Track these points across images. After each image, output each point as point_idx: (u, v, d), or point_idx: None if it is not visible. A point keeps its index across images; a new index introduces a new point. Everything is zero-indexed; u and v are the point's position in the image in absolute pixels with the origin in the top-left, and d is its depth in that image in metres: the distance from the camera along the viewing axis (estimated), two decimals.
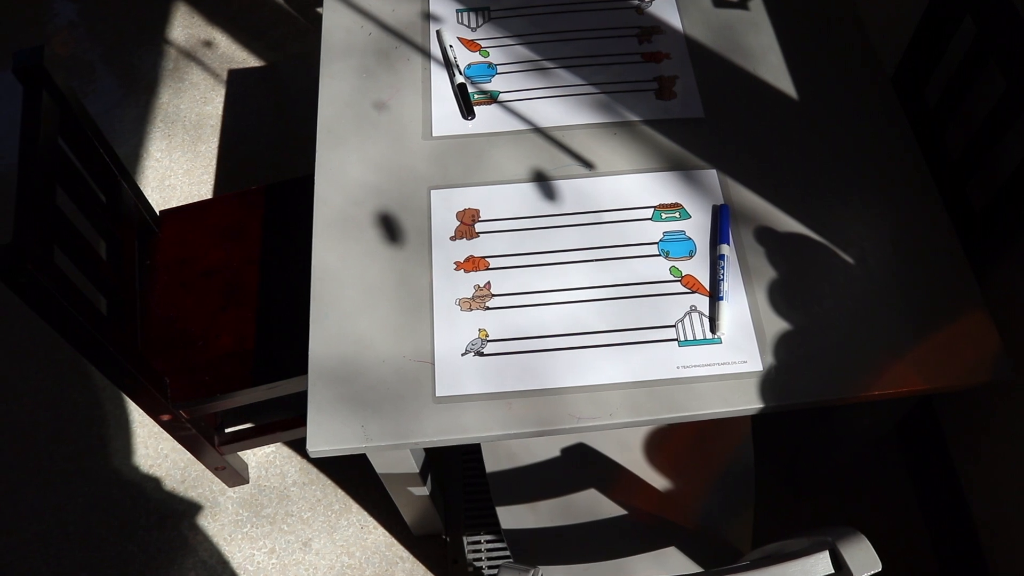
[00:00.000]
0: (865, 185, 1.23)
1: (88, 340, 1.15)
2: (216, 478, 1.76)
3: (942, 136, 1.41)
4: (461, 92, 1.32)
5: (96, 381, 1.91)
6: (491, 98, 1.33)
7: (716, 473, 1.29)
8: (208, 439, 1.53)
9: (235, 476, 1.71)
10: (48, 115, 1.17)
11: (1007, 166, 1.31)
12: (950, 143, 1.44)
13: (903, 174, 1.24)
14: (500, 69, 1.36)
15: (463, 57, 1.38)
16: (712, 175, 1.24)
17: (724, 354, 1.09)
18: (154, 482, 1.78)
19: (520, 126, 1.30)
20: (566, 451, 1.32)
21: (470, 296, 1.14)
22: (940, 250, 1.17)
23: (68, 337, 1.13)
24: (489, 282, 1.15)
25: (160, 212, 1.58)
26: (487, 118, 1.31)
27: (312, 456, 1.05)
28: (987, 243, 1.32)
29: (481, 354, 1.10)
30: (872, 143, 1.27)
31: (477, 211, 1.22)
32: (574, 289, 1.15)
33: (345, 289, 1.16)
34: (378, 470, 1.28)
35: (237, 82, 2.36)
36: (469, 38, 1.40)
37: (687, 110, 1.31)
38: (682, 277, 1.15)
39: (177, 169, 2.20)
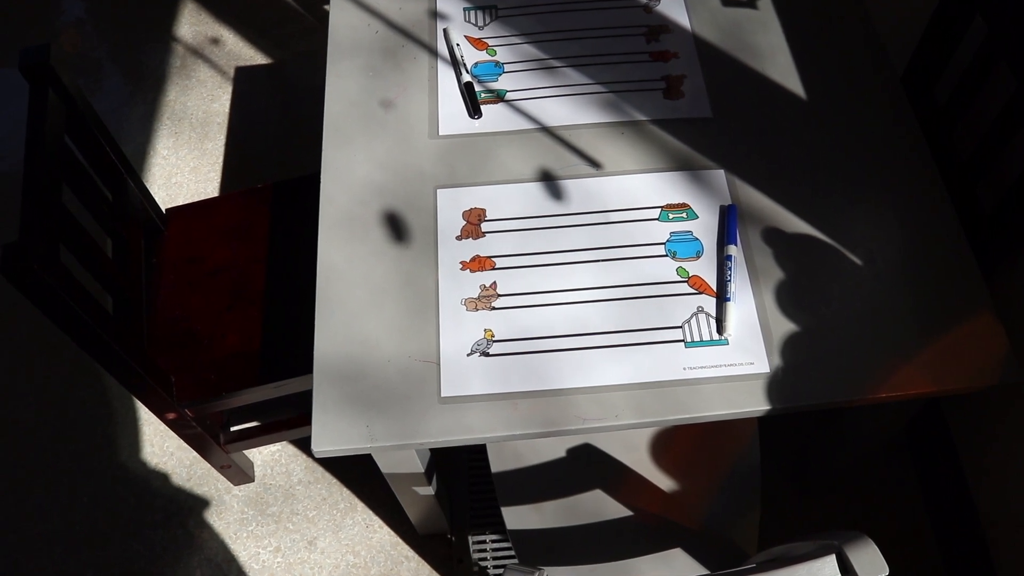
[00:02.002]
0: (874, 185, 1.22)
1: (94, 339, 1.14)
2: (222, 476, 1.76)
3: (951, 136, 1.40)
4: (468, 91, 1.32)
5: (102, 379, 1.91)
6: (498, 97, 1.33)
7: (722, 474, 1.29)
8: (214, 437, 1.53)
9: (241, 474, 1.71)
10: (54, 113, 1.17)
11: (1017, 167, 1.30)
12: (959, 143, 1.43)
13: (912, 174, 1.23)
14: (507, 68, 1.36)
15: (470, 55, 1.37)
16: (720, 175, 1.24)
17: (731, 355, 1.08)
18: (160, 480, 1.78)
19: (527, 125, 1.30)
20: (572, 451, 1.32)
21: (476, 296, 1.14)
22: (949, 251, 1.16)
23: (74, 336, 1.13)
24: (495, 282, 1.15)
25: (166, 210, 1.58)
26: (494, 117, 1.31)
27: (317, 456, 1.05)
28: (996, 244, 1.31)
29: (487, 354, 1.09)
30: (881, 143, 1.26)
31: (483, 210, 1.21)
32: (580, 289, 1.14)
33: (351, 288, 1.15)
34: (383, 470, 1.28)
35: (244, 80, 2.36)
36: (476, 36, 1.40)
37: (695, 110, 1.30)
38: (689, 278, 1.15)
39: (184, 167, 2.20)
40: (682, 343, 1.10)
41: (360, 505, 1.74)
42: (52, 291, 1.04)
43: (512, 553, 1.64)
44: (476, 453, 1.77)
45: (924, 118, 1.46)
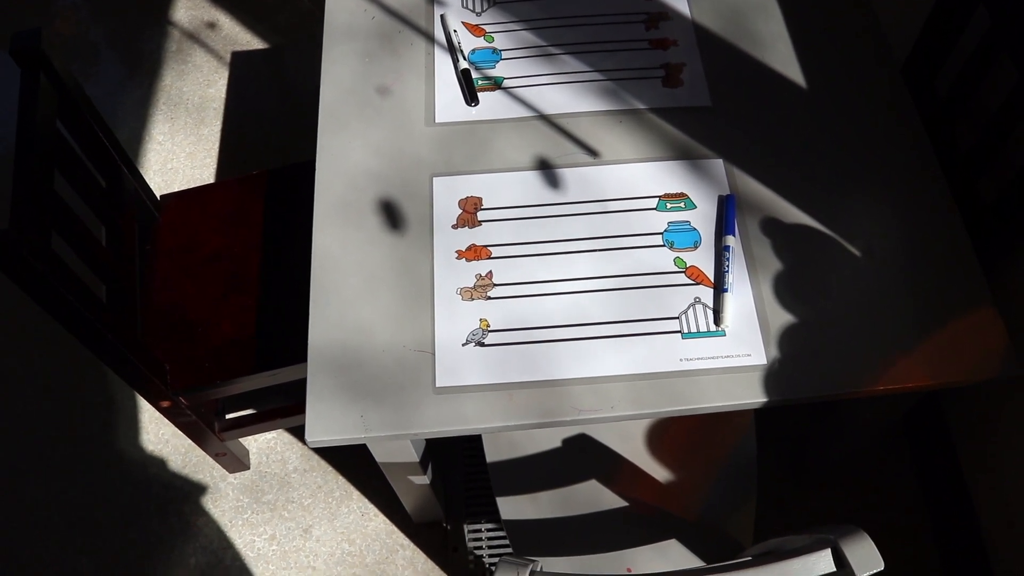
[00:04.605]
0: (873, 177, 1.21)
1: (87, 328, 1.14)
2: (217, 464, 1.76)
3: (952, 128, 1.39)
4: (465, 78, 1.30)
5: (98, 367, 1.90)
6: (495, 84, 1.32)
7: (718, 466, 1.28)
8: (208, 425, 1.52)
9: (236, 462, 1.71)
10: (46, 98, 1.16)
11: (1018, 160, 1.29)
12: (960, 135, 1.42)
13: (912, 166, 1.22)
14: (505, 55, 1.34)
15: (467, 42, 1.36)
16: (718, 165, 1.23)
17: (728, 347, 1.08)
18: (155, 468, 1.78)
19: (524, 113, 1.28)
20: (567, 442, 1.31)
21: (471, 285, 1.13)
22: (948, 244, 1.15)
23: (67, 324, 1.12)
24: (491, 271, 1.14)
25: (161, 196, 1.57)
26: (491, 104, 1.29)
27: (311, 446, 1.04)
28: (997, 238, 1.30)
29: (482, 344, 1.08)
30: (881, 134, 1.25)
31: (480, 199, 1.20)
32: (576, 279, 1.13)
33: (346, 276, 1.14)
34: (378, 459, 1.27)
35: (241, 65, 2.34)
36: (473, 23, 1.38)
37: (694, 98, 1.29)
38: (686, 268, 1.14)
39: (179, 152, 2.19)
40: (679, 334, 1.09)
41: (355, 493, 1.73)
42: (44, 279, 1.03)
43: (507, 542, 1.64)
44: (471, 442, 1.77)
45: (925, 109, 1.45)
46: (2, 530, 1.72)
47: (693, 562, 1.22)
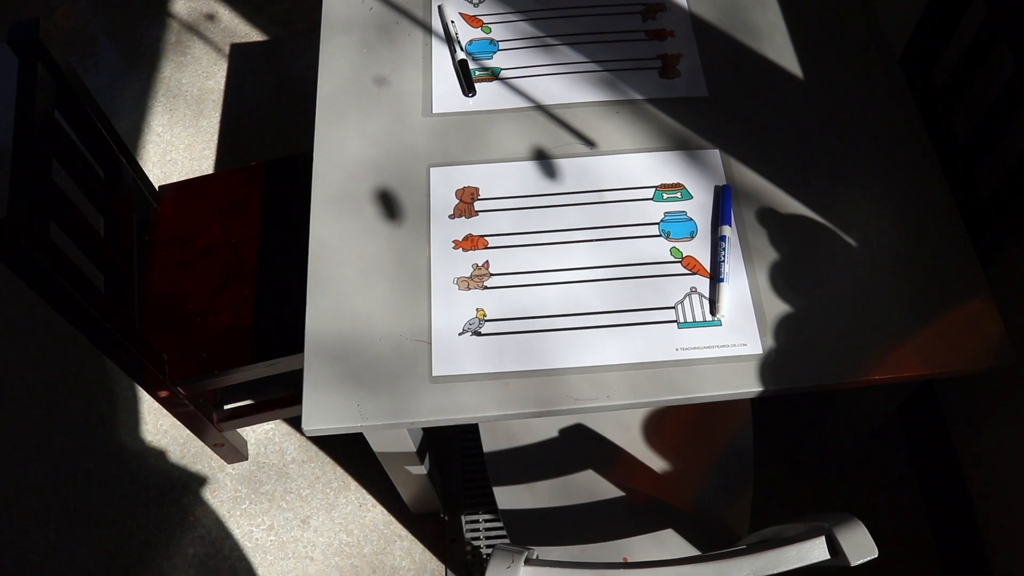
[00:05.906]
0: (870, 167, 1.21)
1: (85, 317, 1.14)
2: (215, 455, 1.76)
3: (949, 119, 1.39)
4: (462, 68, 1.31)
5: (97, 357, 1.91)
6: (492, 75, 1.32)
7: (715, 455, 1.29)
8: (207, 416, 1.53)
9: (234, 453, 1.71)
10: (44, 89, 1.16)
11: (1015, 150, 1.29)
12: (957, 126, 1.42)
13: (909, 157, 1.22)
14: (502, 45, 1.35)
15: (465, 33, 1.36)
16: (715, 155, 1.23)
17: (724, 336, 1.08)
18: (154, 458, 1.78)
19: (521, 103, 1.28)
20: (564, 431, 1.31)
21: (468, 275, 1.13)
22: (945, 235, 1.16)
23: (65, 314, 1.12)
24: (487, 261, 1.14)
25: (159, 187, 1.57)
26: (488, 95, 1.30)
27: (308, 435, 1.05)
28: (993, 228, 1.30)
29: (479, 334, 1.09)
30: (878, 125, 1.25)
31: (476, 189, 1.20)
32: (573, 269, 1.13)
33: (342, 266, 1.15)
34: (375, 449, 1.27)
35: (240, 57, 2.34)
36: (471, 13, 1.38)
37: (691, 89, 1.29)
38: (683, 258, 1.14)
39: (178, 144, 2.19)
40: (675, 324, 1.09)
41: (353, 484, 1.74)
42: (42, 269, 1.04)
43: (504, 532, 1.64)
44: (469, 432, 1.77)
45: (922, 100, 1.45)
46: (1, 519, 1.73)
47: (689, 551, 1.23)
